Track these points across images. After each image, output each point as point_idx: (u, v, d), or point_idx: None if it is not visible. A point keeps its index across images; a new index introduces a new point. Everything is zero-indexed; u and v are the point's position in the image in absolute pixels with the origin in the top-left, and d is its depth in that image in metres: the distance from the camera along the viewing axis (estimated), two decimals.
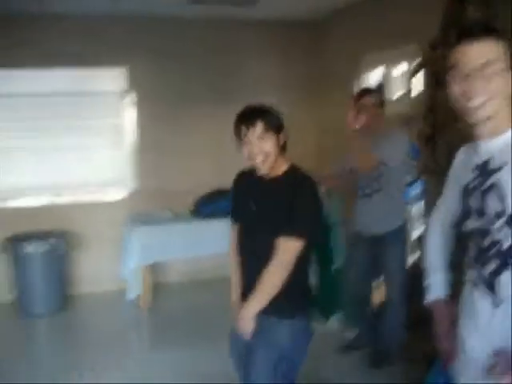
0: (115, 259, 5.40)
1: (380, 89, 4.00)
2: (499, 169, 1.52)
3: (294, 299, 2.36)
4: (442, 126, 3.53)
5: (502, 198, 1.48)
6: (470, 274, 1.64)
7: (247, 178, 2.59)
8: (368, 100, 3.57)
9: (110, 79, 5.73)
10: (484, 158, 1.58)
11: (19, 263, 5.10)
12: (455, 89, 1.53)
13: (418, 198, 4.21)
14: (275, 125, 2.42)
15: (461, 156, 1.80)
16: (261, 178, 2.46)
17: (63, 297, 5.34)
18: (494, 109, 1.52)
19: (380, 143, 3.46)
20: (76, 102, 5.61)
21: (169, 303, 5.43)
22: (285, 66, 6.13)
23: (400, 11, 4.47)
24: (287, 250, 2.26)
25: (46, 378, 3.84)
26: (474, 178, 1.61)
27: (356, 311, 3.95)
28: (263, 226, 2.39)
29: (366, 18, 5.08)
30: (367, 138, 3.45)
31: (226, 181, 5.68)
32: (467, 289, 1.68)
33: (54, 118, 5.56)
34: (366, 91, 3.72)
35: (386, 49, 4.73)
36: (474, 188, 1.60)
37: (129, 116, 5.80)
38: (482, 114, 1.51)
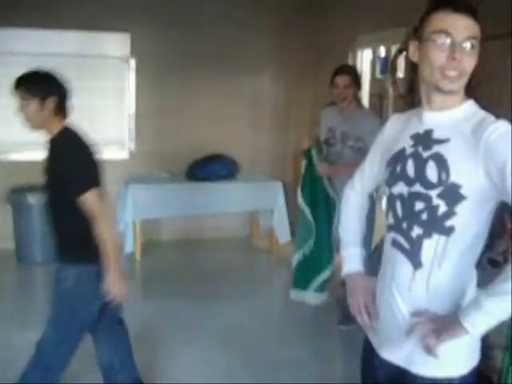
0: (111, 214, 5.72)
1: (353, 69, 4.12)
2: (445, 141, 1.53)
3: (79, 246, 2.50)
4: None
5: (442, 169, 1.50)
6: (393, 237, 1.65)
7: None
8: (339, 80, 3.83)
9: (114, 44, 5.98)
10: (427, 127, 1.59)
11: (21, 213, 5.42)
12: (438, 55, 1.50)
13: None
14: (39, 90, 2.47)
15: (393, 123, 1.80)
16: None
17: None
18: (463, 83, 1.54)
19: (353, 124, 3.80)
20: (81, 64, 5.85)
21: (159, 258, 5.77)
22: (283, 41, 6.33)
23: None
24: (89, 203, 2.42)
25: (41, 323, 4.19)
26: (412, 145, 1.62)
27: None
28: (46, 184, 2.58)
29: None
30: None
31: (221, 146, 6.00)
32: (387, 251, 1.69)
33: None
34: (338, 71, 3.92)
35: (379, 30, 4.93)
36: (412, 155, 1.60)
37: (130, 80, 6.06)
38: (455, 85, 1.52)
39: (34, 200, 5.33)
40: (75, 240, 2.54)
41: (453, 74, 1.50)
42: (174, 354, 3.67)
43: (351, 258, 1.91)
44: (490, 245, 1.70)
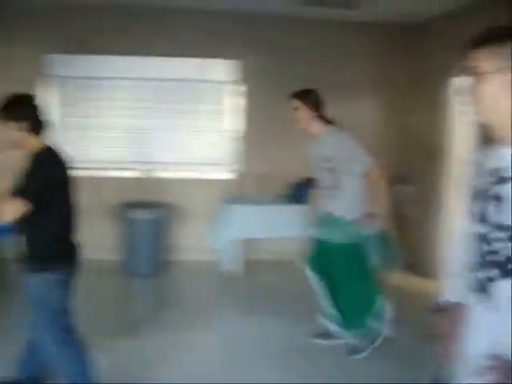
0: (212, 233, 5.89)
1: (304, 92, 3.89)
2: (507, 180, 1.43)
3: (41, 255, 2.73)
4: None
5: (501, 211, 1.43)
6: (472, 276, 1.61)
7: None
8: (293, 104, 3.81)
9: (224, 70, 6.23)
10: (496, 164, 1.50)
11: (128, 227, 5.72)
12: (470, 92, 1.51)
13: None
14: (16, 115, 2.67)
15: (476, 158, 1.70)
16: None
17: (163, 261, 5.92)
18: (490, 116, 1.48)
19: (321, 146, 3.78)
20: (191, 87, 6.20)
21: (259, 277, 5.86)
22: (383, 67, 6.35)
23: (492, 22, 4.53)
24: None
25: (142, 330, 4.37)
26: (484, 183, 1.54)
27: None
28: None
29: (463, 25, 5.17)
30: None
31: None
32: (470, 291, 1.65)
33: (172, 101, 6.18)
34: (292, 95, 3.87)
35: None
36: (482, 193, 1.54)
37: (238, 105, 6.27)
38: (478, 118, 1.50)
39: (140, 215, 5.60)
40: (36, 247, 2.76)
41: (473, 107, 1.53)
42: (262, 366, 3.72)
43: (452, 288, 1.84)
44: None
